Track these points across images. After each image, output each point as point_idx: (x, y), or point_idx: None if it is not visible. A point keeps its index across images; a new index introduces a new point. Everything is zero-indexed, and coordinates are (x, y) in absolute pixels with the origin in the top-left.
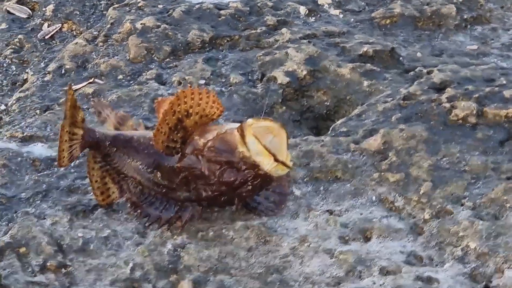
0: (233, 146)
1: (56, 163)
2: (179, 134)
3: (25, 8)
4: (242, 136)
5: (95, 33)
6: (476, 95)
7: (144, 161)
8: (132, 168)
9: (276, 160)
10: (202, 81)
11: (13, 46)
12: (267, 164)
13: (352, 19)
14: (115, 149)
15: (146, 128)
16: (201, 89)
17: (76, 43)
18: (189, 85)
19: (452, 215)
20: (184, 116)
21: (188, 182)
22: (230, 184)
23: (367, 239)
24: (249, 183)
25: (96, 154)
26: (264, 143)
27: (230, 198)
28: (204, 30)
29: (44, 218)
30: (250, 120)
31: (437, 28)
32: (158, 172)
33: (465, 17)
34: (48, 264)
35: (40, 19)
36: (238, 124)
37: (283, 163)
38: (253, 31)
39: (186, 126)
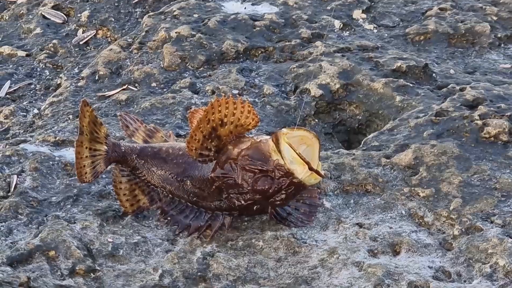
0: (267, 154)
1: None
2: (213, 143)
3: (61, 13)
4: (277, 144)
5: (129, 40)
6: (509, 113)
7: (174, 171)
8: (162, 178)
9: (310, 168)
10: (236, 91)
11: (48, 51)
12: (301, 173)
13: (386, 34)
14: (143, 161)
15: (178, 136)
16: (236, 99)
17: (111, 49)
18: (223, 94)
19: (481, 232)
20: (218, 124)
21: (220, 191)
22: (264, 193)
23: (396, 253)
24: (283, 191)
25: (123, 168)
26: (299, 152)
27: (262, 206)
28: (238, 40)
29: (74, 223)
30: (284, 130)
31: (471, 46)
32: (188, 181)
33: (499, 35)
34: (77, 268)
35: (75, 25)
36: (271, 136)
37: (317, 172)
38: (287, 43)
39: (220, 135)
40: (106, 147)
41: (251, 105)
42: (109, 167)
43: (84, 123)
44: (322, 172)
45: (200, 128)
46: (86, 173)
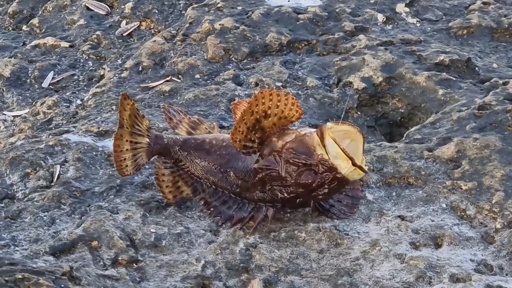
0: (311, 148)
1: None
2: (257, 134)
3: (104, 4)
4: (321, 138)
5: (173, 32)
6: None
7: (217, 162)
8: (205, 169)
9: (353, 164)
10: (279, 83)
11: (91, 42)
12: (344, 168)
13: (429, 28)
14: (186, 153)
15: (221, 128)
16: (279, 91)
17: (154, 41)
18: (266, 86)
19: None
20: (262, 116)
21: (264, 183)
22: (307, 186)
23: (437, 246)
24: (326, 186)
25: (167, 160)
26: (343, 147)
27: (305, 200)
28: (282, 33)
29: (117, 213)
30: (329, 124)
31: None
32: (232, 172)
33: None
34: (120, 258)
35: (119, 16)
36: (315, 129)
37: (360, 168)
38: (330, 36)
39: (264, 126)
40: (148, 140)
41: (294, 97)
42: (151, 159)
43: (125, 116)
44: (366, 168)
45: (244, 120)
46: (127, 166)
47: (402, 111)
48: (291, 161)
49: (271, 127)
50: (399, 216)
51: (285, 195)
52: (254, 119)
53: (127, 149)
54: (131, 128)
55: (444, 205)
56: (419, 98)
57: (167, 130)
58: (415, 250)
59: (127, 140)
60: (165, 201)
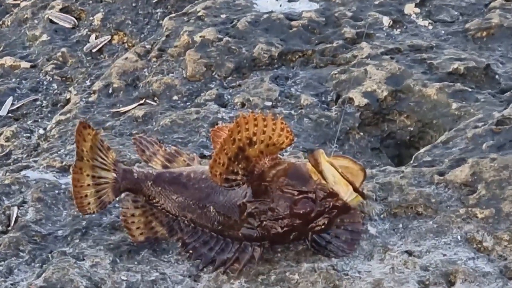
0: (307, 175)
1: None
2: (240, 165)
3: (70, 17)
4: (316, 165)
5: (148, 46)
6: None
7: (195, 197)
8: (182, 206)
9: (355, 190)
10: (269, 103)
11: (55, 61)
12: (345, 193)
13: (443, 31)
14: (160, 188)
15: (203, 157)
16: (265, 115)
17: (126, 58)
18: (250, 110)
19: None
20: (246, 144)
21: (252, 218)
22: (304, 216)
23: (450, 284)
24: (326, 215)
25: (137, 198)
26: (341, 171)
27: (300, 233)
28: (272, 43)
29: (83, 259)
30: (330, 159)
31: None
32: (212, 208)
33: None
34: None
35: (87, 30)
36: (307, 157)
37: (362, 194)
38: (328, 45)
39: (248, 156)
40: (114, 175)
41: (284, 121)
42: (119, 196)
43: (85, 148)
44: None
45: (224, 150)
46: (89, 203)
47: (411, 129)
48: (285, 190)
49: (257, 156)
50: (406, 251)
51: (279, 229)
52: (236, 147)
53: (88, 185)
54: (92, 161)
55: (457, 237)
56: (430, 114)
57: (140, 163)
58: None
59: (88, 175)
60: (136, 244)
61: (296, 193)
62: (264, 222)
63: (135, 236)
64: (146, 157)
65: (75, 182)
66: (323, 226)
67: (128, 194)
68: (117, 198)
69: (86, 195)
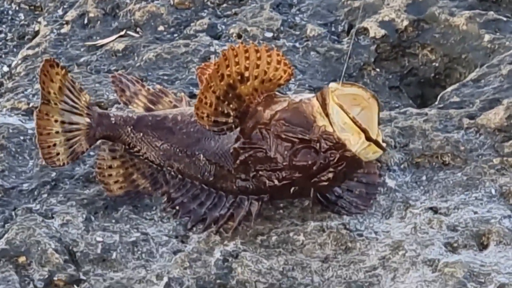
0: (310, 118)
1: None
2: (231, 105)
3: None
4: (323, 105)
5: None
6: None
7: (183, 143)
8: (167, 154)
9: (367, 138)
10: (269, 34)
11: None
12: (355, 144)
13: None
14: (141, 134)
15: (192, 97)
16: (258, 46)
17: None
18: (239, 41)
19: None
20: (237, 81)
21: (246, 168)
22: (305, 170)
23: (482, 247)
24: (331, 169)
25: (115, 147)
26: (352, 116)
27: (302, 188)
28: None
29: (52, 217)
30: (333, 85)
31: None
32: (203, 156)
33: None
34: (56, 278)
35: None
36: (314, 94)
37: (377, 143)
38: None
39: (240, 94)
40: (88, 120)
41: (280, 52)
42: (94, 144)
43: (52, 89)
44: (383, 144)
45: (211, 88)
46: (58, 154)
47: (436, 65)
48: (283, 136)
49: (250, 94)
50: (430, 208)
51: (276, 182)
52: (225, 84)
53: (57, 132)
54: (61, 104)
55: (491, 191)
56: (458, 47)
57: (119, 104)
58: (451, 254)
59: (56, 120)
60: (116, 199)
61: (296, 141)
62: (260, 173)
63: (112, 191)
64: (126, 98)
65: (41, 129)
66: (328, 182)
67: (105, 142)
68: (91, 147)
69: (54, 144)
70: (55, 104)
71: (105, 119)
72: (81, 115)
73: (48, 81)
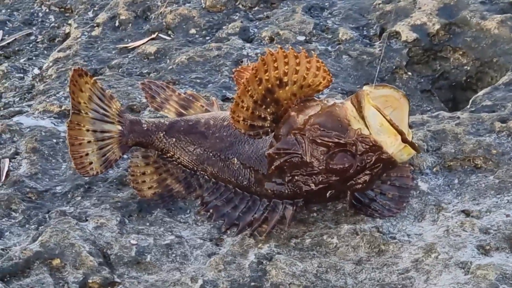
0: (345, 122)
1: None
2: (268, 109)
3: None
4: (359, 108)
5: None
6: None
7: (216, 148)
8: (201, 158)
9: (404, 140)
10: (302, 38)
11: None
12: (392, 146)
13: None
14: (174, 139)
15: (225, 101)
16: (298, 51)
17: None
18: (279, 46)
19: None
20: (275, 85)
21: (281, 173)
22: (342, 173)
23: None
24: (367, 171)
25: (148, 153)
26: (389, 118)
27: (337, 192)
28: None
29: (86, 220)
30: (367, 88)
31: None
32: (237, 160)
33: None
34: (90, 281)
35: None
36: (347, 98)
37: (412, 145)
38: None
39: (278, 98)
40: (120, 127)
41: (319, 59)
42: (127, 151)
43: (82, 99)
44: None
45: (248, 92)
46: (91, 163)
47: (468, 68)
48: (318, 140)
49: (289, 98)
50: (462, 211)
51: (312, 186)
52: (264, 89)
53: (89, 141)
54: (91, 113)
55: None
56: (489, 51)
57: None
58: (484, 256)
59: (87, 130)
60: (150, 203)
61: (332, 145)
62: (296, 178)
63: (146, 196)
64: (157, 104)
65: (72, 139)
66: (364, 184)
67: (137, 149)
68: (124, 155)
69: (86, 154)
70: (86, 113)
71: (137, 125)
72: (112, 123)
73: (78, 91)
